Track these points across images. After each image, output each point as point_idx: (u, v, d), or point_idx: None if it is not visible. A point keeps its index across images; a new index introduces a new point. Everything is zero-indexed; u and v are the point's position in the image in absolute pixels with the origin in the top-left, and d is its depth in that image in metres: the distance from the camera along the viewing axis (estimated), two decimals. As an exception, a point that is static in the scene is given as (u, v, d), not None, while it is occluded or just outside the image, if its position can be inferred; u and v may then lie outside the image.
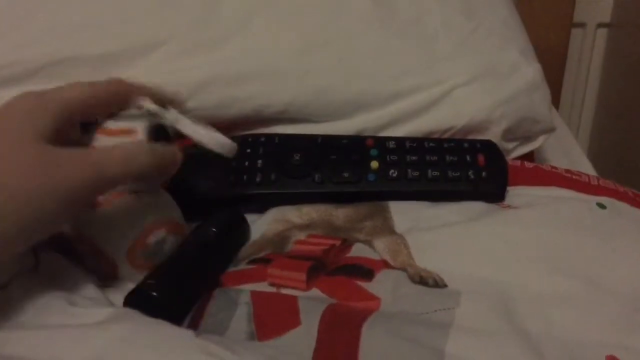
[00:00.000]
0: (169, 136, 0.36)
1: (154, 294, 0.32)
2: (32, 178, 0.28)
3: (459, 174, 0.45)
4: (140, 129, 0.34)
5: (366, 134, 0.53)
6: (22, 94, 0.32)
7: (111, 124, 0.34)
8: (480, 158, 0.46)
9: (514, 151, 0.58)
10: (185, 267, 0.35)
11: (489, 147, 0.48)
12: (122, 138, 0.34)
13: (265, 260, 0.38)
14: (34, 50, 0.51)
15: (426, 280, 0.36)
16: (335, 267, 0.37)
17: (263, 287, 0.35)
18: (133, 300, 0.32)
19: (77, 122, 0.33)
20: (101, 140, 0.34)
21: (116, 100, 0.34)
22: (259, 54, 0.53)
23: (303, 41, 0.54)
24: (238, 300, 0.34)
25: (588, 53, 1.09)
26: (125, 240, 0.35)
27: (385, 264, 0.37)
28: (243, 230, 0.41)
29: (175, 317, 0.32)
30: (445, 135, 0.54)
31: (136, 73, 0.52)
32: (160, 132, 0.35)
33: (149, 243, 0.36)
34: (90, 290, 0.34)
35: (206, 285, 0.35)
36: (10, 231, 0.27)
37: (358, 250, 0.39)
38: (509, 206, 0.45)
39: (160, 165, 0.34)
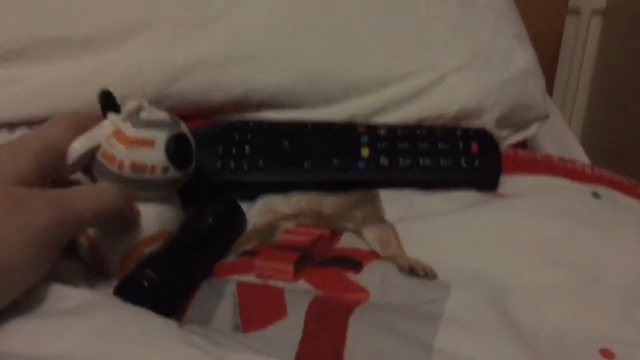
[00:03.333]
0: (191, 148, 0.35)
1: (145, 283, 0.31)
2: None
3: (451, 162, 0.44)
4: (158, 141, 0.33)
5: (357, 120, 0.52)
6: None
7: (130, 131, 0.33)
8: (474, 146, 0.45)
9: (507, 139, 0.57)
10: (179, 257, 0.34)
11: (483, 135, 0.47)
12: (140, 148, 0.33)
13: (253, 253, 0.37)
14: (15, 32, 0.50)
15: (416, 271, 0.35)
16: (324, 259, 0.36)
17: (250, 279, 0.34)
18: (124, 289, 0.31)
19: (60, 159, 0.32)
20: (117, 148, 0.32)
21: (81, 128, 0.33)
22: (248, 36, 0.52)
23: (294, 24, 0.53)
24: (223, 291, 0.33)
25: (582, 40, 1.08)
26: (124, 246, 0.34)
27: (375, 255, 0.36)
28: (239, 220, 0.40)
29: (167, 307, 0.31)
30: (438, 122, 0.53)
31: (121, 56, 0.51)
32: (179, 144, 0.34)
33: (145, 252, 0.35)
34: (75, 280, 0.33)
35: (201, 276, 0.34)
36: None
37: (347, 241, 0.38)
38: (502, 195, 0.44)
39: (124, 206, 0.33)
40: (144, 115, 0.34)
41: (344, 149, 0.44)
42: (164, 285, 0.32)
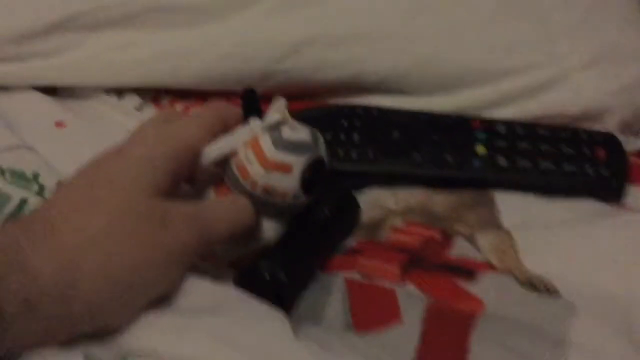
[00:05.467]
0: (326, 172, 0.33)
1: (267, 275, 0.31)
2: (137, 242, 0.26)
3: (575, 167, 0.41)
4: (296, 167, 0.31)
5: (468, 112, 0.49)
6: (142, 128, 0.31)
7: (270, 151, 0.31)
8: (600, 152, 0.42)
9: (627, 146, 0.52)
10: (298, 249, 0.33)
11: (610, 141, 0.43)
12: (276, 173, 0.31)
13: (357, 251, 0.36)
14: None
15: (536, 286, 0.33)
16: (434, 264, 0.35)
17: (353, 276, 0.33)
18: (244, 280, 0.31)
19: (196, 160, 0.31)
20: (253, 166, 0.31)
21: (221, 127, 0.32)
22: (361, 14, 0.50)
23: (410, 4, 0.50)
24: (331, 287, 0.32)
25: None
26: (239, 253, 0.33)
27: (490, 267, 0.34)
28: (354, 212, 0.38)
29: (286, 299, 0.30)
30: (556, 121, 0.49)
31: (231, 28, 0.50)
32: (316, 172, 0.32)
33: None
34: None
35: (317, 268, 0.34)
36: (105, 303, 0.25)
37: (460, 248, 0.36)
38: (629, 208, 0.40)
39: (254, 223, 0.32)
40: (285, 133, 0.31)
41: (458, 144, 0.42)
42: (288, 282, 0.31)
